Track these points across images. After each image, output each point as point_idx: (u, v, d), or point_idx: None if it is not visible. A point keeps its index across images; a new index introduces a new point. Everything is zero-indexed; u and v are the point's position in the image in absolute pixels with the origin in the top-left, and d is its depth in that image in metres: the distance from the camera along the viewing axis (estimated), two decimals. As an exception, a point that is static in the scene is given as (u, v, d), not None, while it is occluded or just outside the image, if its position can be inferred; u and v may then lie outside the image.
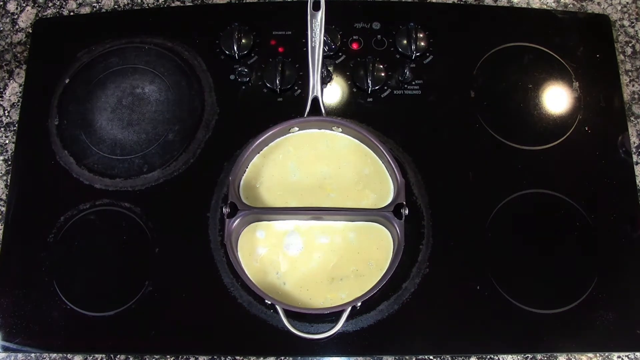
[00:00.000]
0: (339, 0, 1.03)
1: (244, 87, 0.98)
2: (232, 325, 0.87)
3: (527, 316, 0.86)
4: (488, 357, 0.86)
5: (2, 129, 0.99)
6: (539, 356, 0.86)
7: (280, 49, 1.00)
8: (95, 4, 1.06)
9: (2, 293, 0.88)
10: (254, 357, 0.87)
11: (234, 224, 0.85)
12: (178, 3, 1.06)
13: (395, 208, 0.86)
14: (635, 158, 0.97)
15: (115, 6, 1.06)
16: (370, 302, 0.85)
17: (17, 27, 1.05)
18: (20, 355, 0.87)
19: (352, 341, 0.85)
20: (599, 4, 1.06)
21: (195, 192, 0.92)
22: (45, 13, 1.06)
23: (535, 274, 0.89)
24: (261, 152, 0.92)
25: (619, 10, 1.06)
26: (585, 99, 0.98)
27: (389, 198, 0.89)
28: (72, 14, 1.06)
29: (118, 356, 0.87)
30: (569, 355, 0.86)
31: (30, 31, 1.04)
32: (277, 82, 0.96)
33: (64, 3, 1.06)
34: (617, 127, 0.97)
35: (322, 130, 0.94)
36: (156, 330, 0.87)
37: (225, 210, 0.85)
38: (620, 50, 1.03)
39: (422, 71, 0.99)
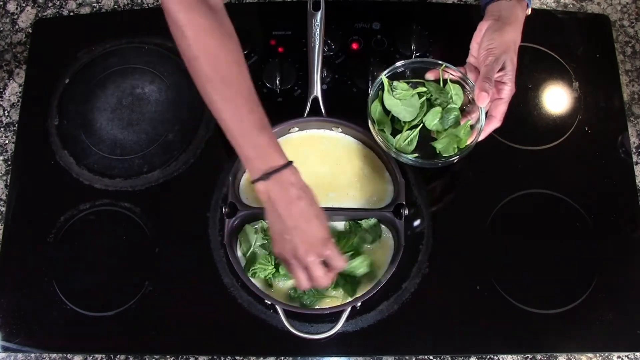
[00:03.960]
0: (339, 0, 1.03)
1: (244, 87, 0.98)
2: (232, 325, 0.87)
3: (527, 316, 0.86)
4: (488, 357, 0.86)
5: (2, 129, 0.99)
6: (539, 356, 0.86)
7: (280, 49, 1.00)
8: (95, 4, 1.06)
9: (2, 293, 0.88)
10: (254, 357, 0.87)
11: (234, 224, 0.85)
12: (178, 3, 1.06)
13: (395, 208, 0.86)
14: (635, 158, 0.97)
15: (115, 6, 1.06)
16: (370, 302, 0.85)
17: (17, 27, 1.05)
18: (20, 355, 0.87)
19: (352, 341, 0.85)
20: (598, 4, 1.06)
21: (195, 192, 0.93)
22: (45, 13, 1.06)
23: (535, 274, 0.89)
24: (261, 152, 0.92)
25: (619, 10, 1.06)
26: (585, 99, 0.98)
27: (389, 198, 0.89)
28: (72, 14, 1.06)
29: (118, 356, 0.87)
30: (569, 355, 0.86)
31: (30, 31, 1.04)
32: (277, 82, 0.96)
33: (64, 3, 1.06)
34: (617, 127, 0.97)
35: (322, 130, 0.94)
36: (156, 330, 0.87)
37: (225, 210, 0.85)
38: (620, 50, 1.03)
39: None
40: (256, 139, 0.72)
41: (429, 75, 0.87)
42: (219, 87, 0.71)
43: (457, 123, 0.85)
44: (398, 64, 0.87)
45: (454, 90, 0.85)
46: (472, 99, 0.83)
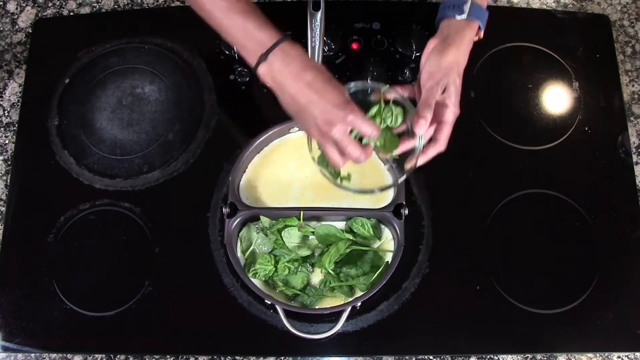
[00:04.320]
0: (339, 0, 1.03)
1: (243, 87, 0.98)
2: (232, 325, 0.87)
3: (527, 316, 0.86)
4: (488, 357, 0.86)
5: (2, 129, 0.99)
6: (539, 356, 0.86)
7: (280, 49, 0.99)
8: (95, 4, 1.06)
9: (2, 293, 0.88)
10: (254, 357, 0.87)
11: (234, 224, 0.85)
12: (178, 3, 1.06)
13: (395, 208, 0.86)
14: (635, 158, 0.97)
15: (115, 6, 1.06)
16: (370, 302, 0.85)
17: (17, 27, 1.05)
18: (20, 355, 0.87)
19: (352, 341, 0.85)
20: (599, 4, 1.06)
21: (195, 192, 0.92)
22: (45, 13, 1.06)
23: (535, 274, 0.89)
24: (261, 152, 0.92)
25: (619, 10, 1.06)
26: (585, 99, 0.98)
27: (388, 198, 0.89)
28: (72, 14, 1.06)
29: (118, 356, 0.87)
30: (569, 355, 0.86)
31: (30, 31, 1.04)
32: (277, 82, 0.96)
33: (64, 3, 1.06)
34: (617, 127, 0.97)
35: (322, 130, 0.93)
36: (156, 330, 0.87)
37: (225, 210, 0.85)
38: (620, 50, 1.03)
39: (422, 71, 0.99)
40: (244, 25, 0.71)
41: (375, 97, 0.81)
42: None
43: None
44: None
45: (395, 112, 0.79)
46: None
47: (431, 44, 0.82)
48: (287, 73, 0.70)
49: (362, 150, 0.71)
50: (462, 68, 0.81)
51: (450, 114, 0.79)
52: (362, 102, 0.80)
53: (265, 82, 0.72)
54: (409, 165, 0.79)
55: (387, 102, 0.79)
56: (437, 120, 0.78)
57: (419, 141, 0.77)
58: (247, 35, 0.71)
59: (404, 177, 0.80)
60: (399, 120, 0.79)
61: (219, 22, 0.72)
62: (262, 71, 0.71)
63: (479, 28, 0.84)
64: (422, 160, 0.79)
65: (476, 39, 0.84)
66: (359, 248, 0.86)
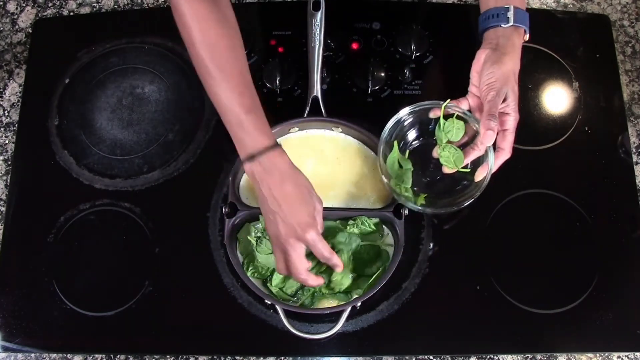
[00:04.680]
0: (339, 0, 1.03)
1: (244, 87, 0.98)
2: (232, 325, 0.87)
3: (527, 316, 0.86)
4: (488, 357, 0.86)
5: (2, 129, 0.99)
6: (539, 356, 0.86)
7: (280, 49, 1.00)
8: (95, 4, 1.06)
9: (2, 293, 0.88)
10: (254, 357, 0.87)
11: (234, 224, 0.85)
12: (178, 3, 1.06)
13: (395, 208, 0.86)
14: (635, 158, 0.97)
15: (115, 6, 1.06)
16: (370, 302, 0.85)
17: (17, 27, 1.05)
18: (20, 355, 0.87)
19: (352, 341, 0.85)
20: (599, 4, 1.06)
21: (195, 192, 0.93)
22: (45, 13, 1.06)
23: (535, 274, 0.89)
24: (261, 152, 0.92)
25: (619, 10, 1.06)
26: (585, 99, 0.98)
27: (388, 198, 0.89)
28: (72, 14, 1.06)
29: (118, 356, 0.87)
30: (569, 355, 0.86)
31: (30, 31, 1.04)
32: (277, 82, 0.96)
33: (64, 3, 1.06)
34: (617, 127, 0.97)
35: (322, 130, 0.94)
36: (156, 330, 0.87)
37: (225, 210, 0.85)
38: (620, 50, 1.03)
39: (422, 71, 0.99)
40: (244, 121, 0.74)
41: (433, 114, 0.84)
42: (213, 72, 0.74)
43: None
44: (401, 114, 0.85)
45: (456, 125, 0.83)
46: (477, 132, 0.82)
47: (481, 54, 0.83)
48: (270, 179, 0.74)
49: (306, 273, 0.76)
50: (517, 74, 0.83)
51: (512, 120, 0.82)
52: (421, 122, 0.86)
53: (248, 175, 0.76)
54: (479, 177, 0.82)
55: (446, 117, 0.82)
56: (500, 128, 0.81)
57: (490, 154, 0.81)
58: (245, 131, 0.75)
59: (479, 192, 0.82)
60: (460, 133, 0.83)
61: (223, 107, 0.75)
62: (248, 168, 0.75)
63: (524, 31, 0.85)
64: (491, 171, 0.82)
65: (524, 40, 0.86)
66: (367, 243, 0.85)
